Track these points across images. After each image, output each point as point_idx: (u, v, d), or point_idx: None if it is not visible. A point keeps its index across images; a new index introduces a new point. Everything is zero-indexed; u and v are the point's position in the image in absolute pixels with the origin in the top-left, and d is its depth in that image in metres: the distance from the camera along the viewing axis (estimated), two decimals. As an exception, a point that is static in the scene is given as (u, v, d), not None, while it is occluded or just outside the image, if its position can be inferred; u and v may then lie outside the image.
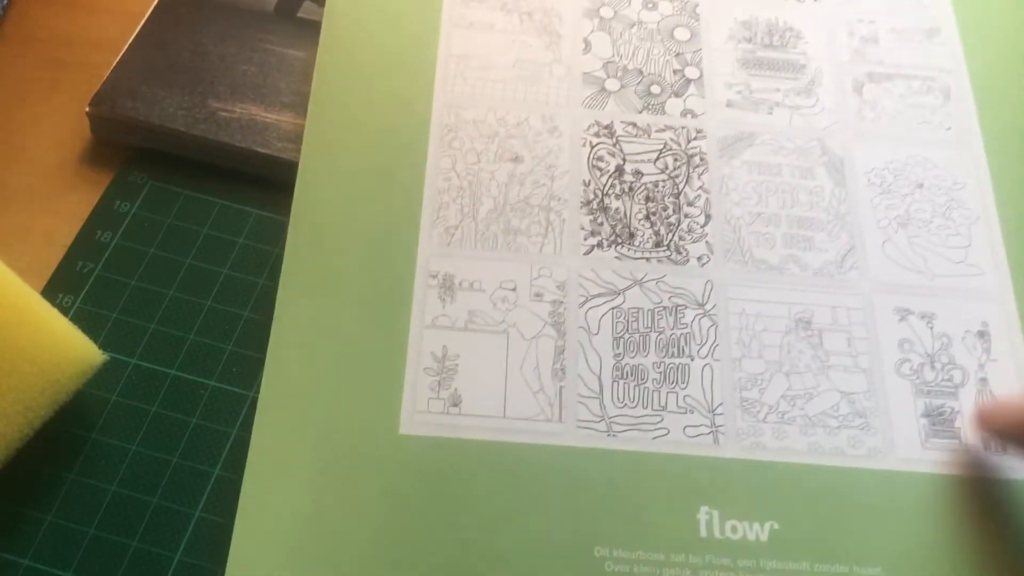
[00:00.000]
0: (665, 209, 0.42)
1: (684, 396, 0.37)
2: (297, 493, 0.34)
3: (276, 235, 0.40)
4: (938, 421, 0.38)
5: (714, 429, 0.37)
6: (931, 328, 0.40)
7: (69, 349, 0.34)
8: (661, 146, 0.43)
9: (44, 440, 0.34)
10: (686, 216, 0.41)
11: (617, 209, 0.41)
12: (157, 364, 0.37)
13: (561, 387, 0.37)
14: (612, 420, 0.37)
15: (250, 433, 0.35)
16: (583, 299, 0.39)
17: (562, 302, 0.39)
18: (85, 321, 0.38)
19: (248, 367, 0.38)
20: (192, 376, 0.37)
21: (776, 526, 0.35)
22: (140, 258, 0.40)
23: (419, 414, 0.36)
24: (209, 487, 0.35)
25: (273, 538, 0.33)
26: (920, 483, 0.36)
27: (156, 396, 0.37)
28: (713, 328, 0.39)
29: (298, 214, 0.39)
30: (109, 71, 0.43)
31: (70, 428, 0.36)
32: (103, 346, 0.36)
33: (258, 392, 0.36)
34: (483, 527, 0.34)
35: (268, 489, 0.34)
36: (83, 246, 0.40)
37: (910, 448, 0.37)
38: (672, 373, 0.38)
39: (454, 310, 0.38)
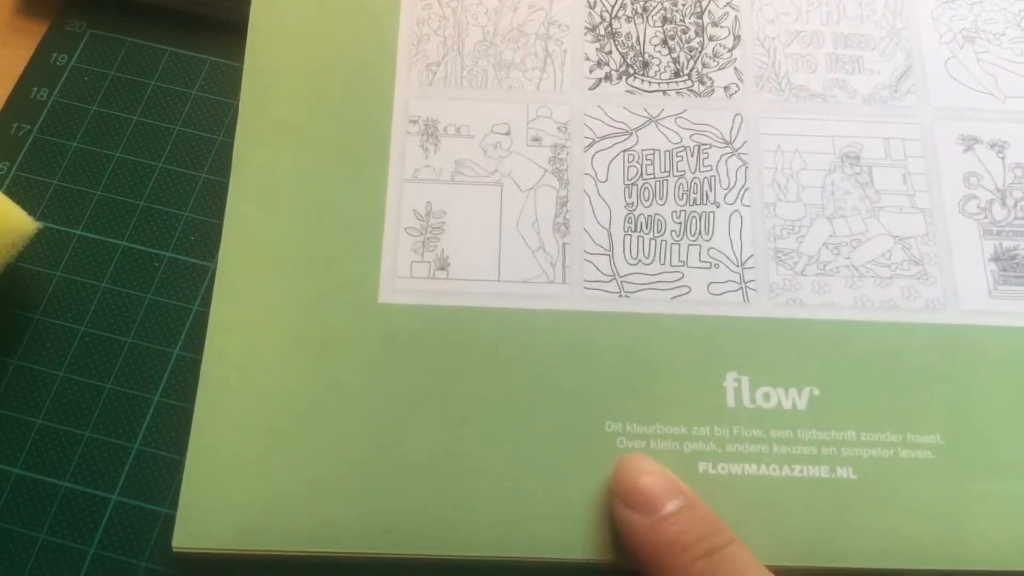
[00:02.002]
0: (685, 32, 0.35)
1: (708, 249, 0.32)
2: (264, 372, 0.30)
3: (234, 85, 0.35)
4: (1009, 266, 0.32)
5: (743, 285, 0.32)
6: (1002, 158, 0.33)
7: (-6, 219, 0.30)
8: (679, -45, 0.36)
9: (-20, 323, 0.30)
10: (711, 39, 0.35)
11: (628, 34, 0.35)
12: (104, 235, 0.33)
13: (564, 244, 0.32)
14: (624, 279, 0.32)
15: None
16: (589, 142, 0.33)
17: (564, 146, 0.33)
18: (22, 189, 0.33)
19: (207, 235, 0.33)
20: (145, 247, 0.33)
21: (816, 392, 0.30)
22: (81, 116, 0.35)
23: (401, 280, 0.31)
24: (168, 369, 0.31)
25: (238, 423, 0.29)
26: (986, 338, 0.31)
27: (105, 271, 0.32)
28: (743, 169, 0.33)
29: (253, 54, 0.34)
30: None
31: (9, 309, 0.32)
32: (43, 216, 0.32)
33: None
34: (476, 405, 0.30)
35: (232, 369, 0.30)
36: (17, 105, 0.35)
37: (976, 298, 0.32)
38: (694, 223, 0.32)
39: (439, 160, 0.33)
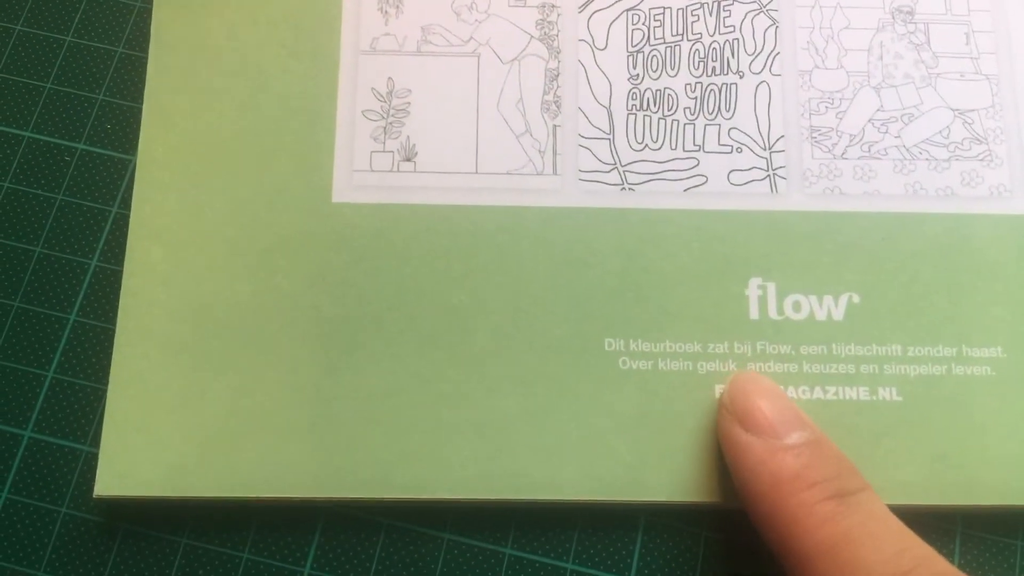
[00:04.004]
0: None
1: (729, 130, 0.27)
2: (196, 285, 0.25)
3: (155, -62, 0.28)
4: (1094, 145, 0.27)
5: (771, 173, 0.26)
6: (1089, 13, 0.27)
7: None
8: None
9: None
10: None
11: None
12: (4, 124, 0.28)
13: (555, 126, 0.27)
14: (627, 168, 0.26)
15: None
16: (584, 0, 0.27)
17: (555, 6, 0.27)
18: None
19: (126, 122, 0.28)
20: (52, 138, 0.28)
21: (856, 299, 0.25)
22: (-27, -17, 0.29)
23: (358, 174, 0.26)
24: (85, 284, 0.26)
25: (166, 345, 0.25)
26: (1064, 232, 0.26)
27: (7, 168, 0.27)
28: (773, 29, 0.27)
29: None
30: None
31: None
32: (-71, 104, 0.26)
33: (137, 154, 0.26)
34: (449, 321, 0.25)
35: (158, 282, 0.25)
36: None
37: (1053, 184, 0.26)
38: (712, 98, 0.27)
39: (402, 26, 0.27)
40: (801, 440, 0.22)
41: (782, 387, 0.25)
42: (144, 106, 0.27)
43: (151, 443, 0.24)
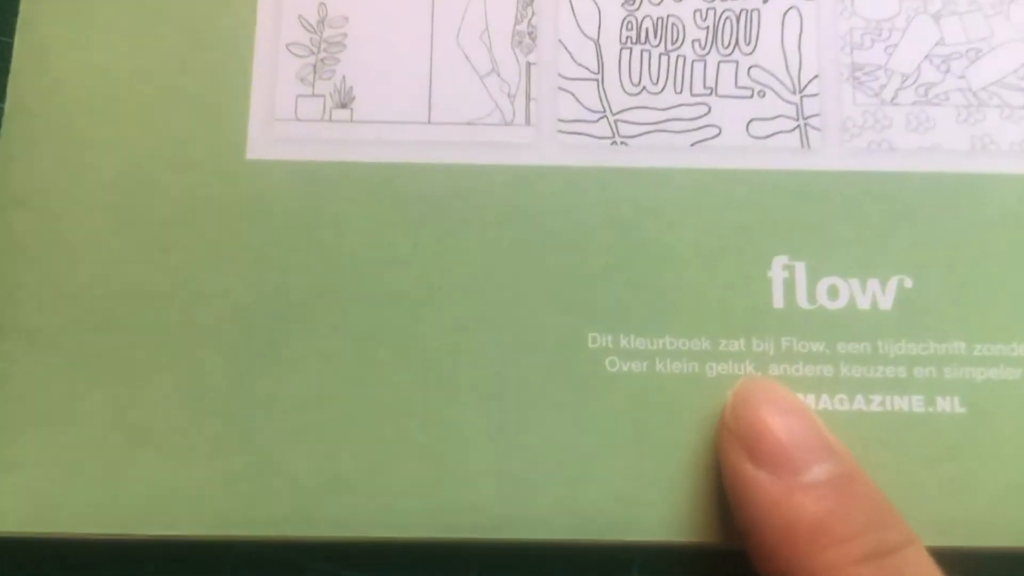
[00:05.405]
0: None
1: (750, 68, 0.21)
2: (72, 265, 0.20)
3: None
4: None
5: (802, 122, 0.21)
6: None
7: None
8: None
9: None
10: None
11: None
12: None
13: (529, 64, 0.21)
14: (619, 117, 0.21)
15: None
16: (567, -95, 0.22)
17: (530, -88, 0.22)
18: None
19: (-3, 61, 0.22)
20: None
21: (908, 283, 0.20)
22: None
23: (280, 124, 0.21)
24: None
25: (33, 340, 0.20)
26: None
27: None
28: (803, -59, 0.22)
29: None
30: None
31: None
32: None
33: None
34: (394, 309, 0.20)
35: (27, 260, 0.20)
36: None
37: None
38: (728, 28, 0.21)
39: (337, -62, 0.22)
40: (825, 476, 0.17)
41: (813, 396, 0.19)
42: (15, 40, 0.21)
43: (12, 466, 0.19)
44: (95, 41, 0.21)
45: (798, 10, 0.21)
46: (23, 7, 0.21)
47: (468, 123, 0.21)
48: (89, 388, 0.19)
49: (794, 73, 0.21)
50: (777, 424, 0.18)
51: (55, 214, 0.20)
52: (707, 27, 0.21)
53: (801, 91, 0.21)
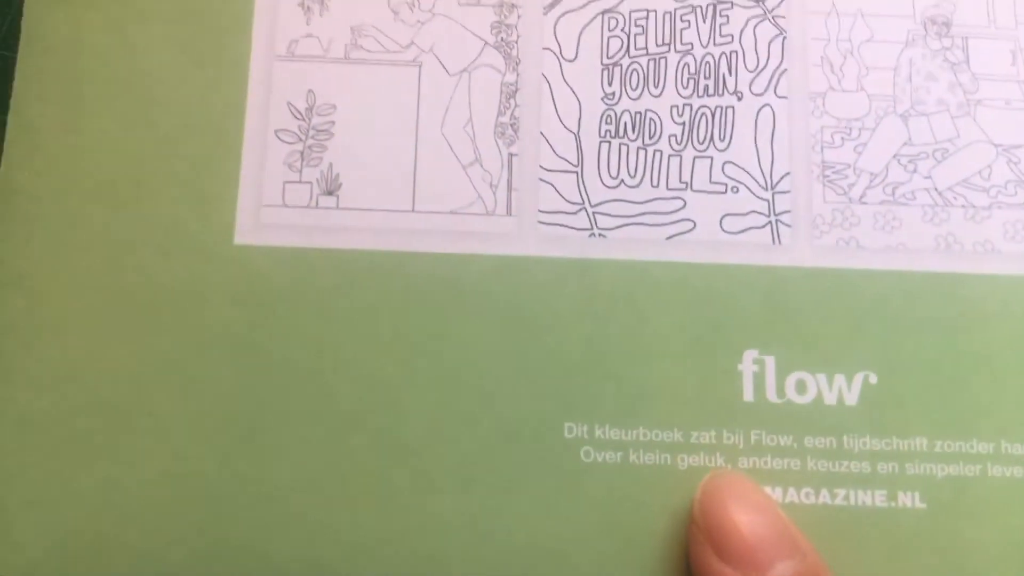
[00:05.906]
0: None
1: (724, 164, 0.22)
2: (63, 348, 0.21)
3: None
4: None
5: (773, 218, 0.22)
6: None
7: None
8: None
9: None
10: None
11: None
12: None
13: (511, 155, 0.22)
14: (598, 210, 0.22)
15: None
16: (551, 0, 0.23)
17: (515, 6, 0.22)
18: None
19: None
20: None
21: (873, 379, 0.21)
22: None
23: (268, 210, 0.21)
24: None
25: (24, 421, 0.20)
26: None
27: None
28: (779, 41, 0.22)
29: None
30: None
31: None
32: None
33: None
34: (376, 397, 0.20)
35: (18, 342, 0.21)
36: None
37: (1116, 241, 0.22)
38: (704, 124, 0.22)
39: (327, 27, 0.22)
40: (790, 573, 0.18)
41: (780, 489, 0.20)
42: (9, 120, 0.22)
43: (3, 545, 0.19)
44: (86, 124, 0.22)
45: (771, 108, 0.22)
46: (17, 86, 0.22)
47: (451, 212, 0.21)
48: (75, 470, 0.20)
49: (766, 170, 0.22)
50: (743, 521, 0.18)
51: (45, 297, 0.21)
52: (683, 123, 0.22)
53: (773, 188, 0.22)
